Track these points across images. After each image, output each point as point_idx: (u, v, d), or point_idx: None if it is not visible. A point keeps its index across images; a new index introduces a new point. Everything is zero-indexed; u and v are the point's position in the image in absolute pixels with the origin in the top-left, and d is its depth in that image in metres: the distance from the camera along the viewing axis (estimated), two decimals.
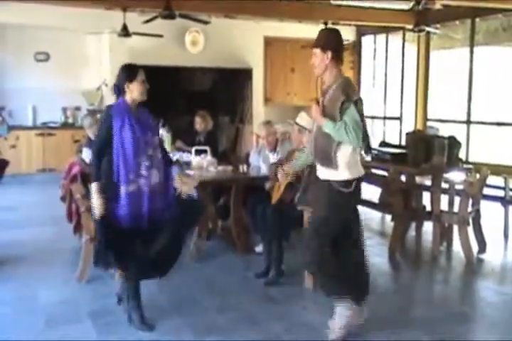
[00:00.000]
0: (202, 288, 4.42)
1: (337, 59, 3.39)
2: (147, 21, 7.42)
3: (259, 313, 3.86)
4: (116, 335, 3.53)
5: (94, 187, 3.45)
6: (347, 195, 3.35)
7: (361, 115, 3.31)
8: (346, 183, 3.34)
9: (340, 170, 3.34)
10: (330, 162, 3.34)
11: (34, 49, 9.54)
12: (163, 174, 3.63)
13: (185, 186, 3.67)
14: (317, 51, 3.39)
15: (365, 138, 3.39)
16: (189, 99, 10.04)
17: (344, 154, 3.33)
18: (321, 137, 3.38)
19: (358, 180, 3.40)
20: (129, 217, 3.47)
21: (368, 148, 3.50)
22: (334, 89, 3.34)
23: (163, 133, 7.06)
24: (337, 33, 3.46)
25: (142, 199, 3.48)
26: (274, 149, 5.38)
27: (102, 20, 8.62)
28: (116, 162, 3.45)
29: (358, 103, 3.29)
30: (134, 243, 3.51)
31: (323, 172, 3.45)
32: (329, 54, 3.35)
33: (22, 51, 9.41)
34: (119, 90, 3.56)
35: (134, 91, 3.53)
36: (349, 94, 3.28)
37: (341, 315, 3.46)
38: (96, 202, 3.43)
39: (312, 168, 3.76)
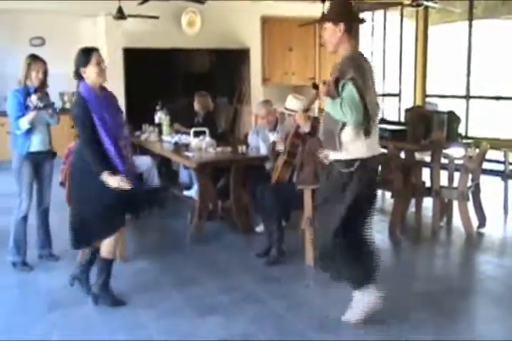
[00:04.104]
0: (203, 268, 4.45)
1: (350, 32, 3.14)
2: (142, 2, 7.35)
3: (260, 293, 3.88)
4: (118, 314, 3.58)
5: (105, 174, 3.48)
6: (347, 175, 3.15)
7: (361, 93, 3.03)
8: (346, 163, 3.14)
9: (341, 150, 3.15)
10: (334, 144, 3.15)
11: (29, 34, 9.46)
12: None
13: None
14: (328, 25, 3.14)
15: (368, 118, 3.08)
16: (187, 81, 10.00)
17: (345, 134, 3.13)
18: (326, 119, 3.21)
19: (363, 161, 3.15)
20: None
21: (367, 131, 3.13)
22: (338, 68, 3.13)
23: (162, 115, 7.05)
24: (349, 2, 3.22)
25: None
26: (273, 128, 5.34)
27: (97, 3, 8.52)
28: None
29: (357, 81, 3.02)
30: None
31: (330, 155, 3.26)
32: (342, 26, 3.11)
33: (17, 36, 9.32)
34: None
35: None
36: (346, 71, 3.06)
37: (361, 301, 3.32)
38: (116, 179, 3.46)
39: (306, 146, 3.69)
